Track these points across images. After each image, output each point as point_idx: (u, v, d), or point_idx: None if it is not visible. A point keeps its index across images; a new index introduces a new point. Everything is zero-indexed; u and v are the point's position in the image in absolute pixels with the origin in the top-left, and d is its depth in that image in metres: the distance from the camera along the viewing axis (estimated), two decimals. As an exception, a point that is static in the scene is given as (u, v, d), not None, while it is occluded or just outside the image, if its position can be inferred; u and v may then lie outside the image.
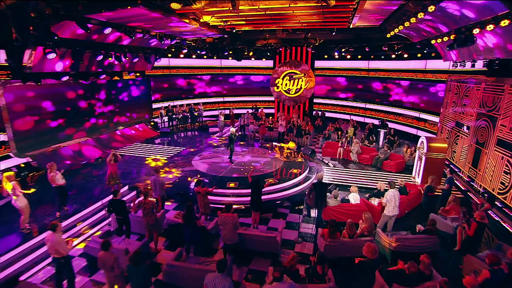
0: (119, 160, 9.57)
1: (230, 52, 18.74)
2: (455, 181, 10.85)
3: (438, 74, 15.08)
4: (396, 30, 11.28)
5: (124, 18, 10.32)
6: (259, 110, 19.53)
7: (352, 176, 12.08)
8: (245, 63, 22.01)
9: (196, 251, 6.97)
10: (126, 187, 10.40)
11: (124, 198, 9.17)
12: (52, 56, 10.41)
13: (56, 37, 8.74)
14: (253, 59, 21.52)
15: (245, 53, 19.75)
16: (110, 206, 7.33)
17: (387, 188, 7.94)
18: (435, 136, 14.01)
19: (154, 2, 8.93)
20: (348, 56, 19.40)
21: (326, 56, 20.65)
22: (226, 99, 22.78)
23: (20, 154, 10.92)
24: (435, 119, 15.18)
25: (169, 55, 18.83)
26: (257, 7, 9.56)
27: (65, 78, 12.11)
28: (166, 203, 9.33)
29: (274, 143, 16.12)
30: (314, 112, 20.54)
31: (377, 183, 9.64)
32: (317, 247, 7.32)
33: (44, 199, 9.25)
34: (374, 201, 8.87)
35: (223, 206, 6.60)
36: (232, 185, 10.44)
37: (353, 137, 15.27)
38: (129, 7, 8.60)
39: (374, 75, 19.28)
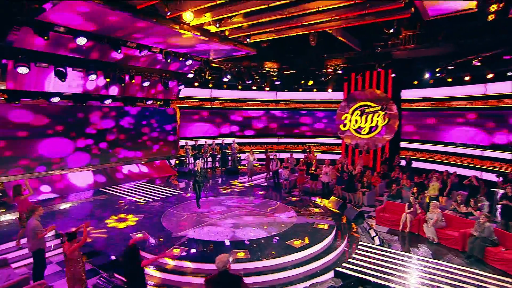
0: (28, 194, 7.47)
1: (274, 78, 15.95)
2: None
3: None
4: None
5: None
6: (310, 153, 15.35)
7: (408, 270, 6.68)
8: (305, 95, 18.77)
9: None
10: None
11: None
12: (23, 70, 9.89)
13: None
14: (314, 90, 18.21)
15: (302, 82, 16.65)
16: None
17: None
18: None
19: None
20: (449, 79, 13.86)
21: (415, 82, 15.40)
22: (281, 140, 19.50)
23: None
24: None
25: (210, 85, 17.32)
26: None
27: (55, 100, 11.54)
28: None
29: (312, 198, 11.69)
30: (401, 160, 14.87)
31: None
32: None
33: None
34: None
35: None
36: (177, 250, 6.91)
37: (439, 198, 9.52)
38: None
39: (496, 104, 12.88)
